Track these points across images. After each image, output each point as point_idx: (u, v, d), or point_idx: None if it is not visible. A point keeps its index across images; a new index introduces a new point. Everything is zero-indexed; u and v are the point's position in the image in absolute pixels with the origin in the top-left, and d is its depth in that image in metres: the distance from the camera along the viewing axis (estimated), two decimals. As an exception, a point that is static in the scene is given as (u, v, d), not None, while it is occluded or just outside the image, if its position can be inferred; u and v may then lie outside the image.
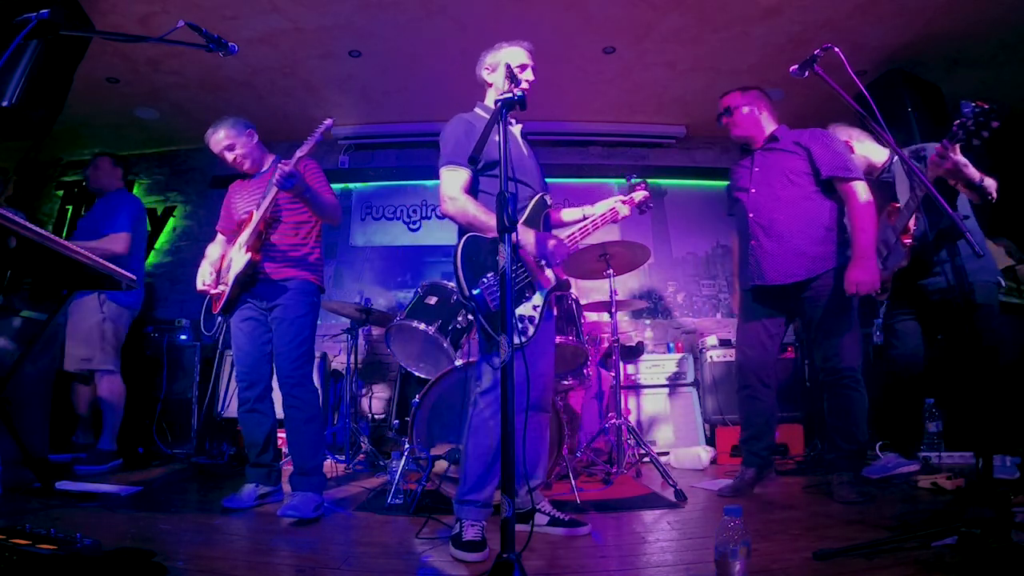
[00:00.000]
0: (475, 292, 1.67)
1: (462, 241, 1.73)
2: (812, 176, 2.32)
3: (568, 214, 2.23)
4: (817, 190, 2.31)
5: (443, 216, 1.89)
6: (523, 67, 2.00)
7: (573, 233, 2.03)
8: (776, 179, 2.37)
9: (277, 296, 2.34)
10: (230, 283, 2.29)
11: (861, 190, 2.24)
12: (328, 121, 2.21)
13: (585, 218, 2.14)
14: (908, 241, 2.40)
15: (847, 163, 2.29)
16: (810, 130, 2.42)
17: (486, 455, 1.70)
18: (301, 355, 2.33)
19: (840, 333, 2.23)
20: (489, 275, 1.71)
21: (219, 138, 2.41)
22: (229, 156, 2.43)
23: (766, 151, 2.45)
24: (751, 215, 2.41)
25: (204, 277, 2.39)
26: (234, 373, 2.41)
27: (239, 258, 2.29)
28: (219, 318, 2.38)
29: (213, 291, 2.36)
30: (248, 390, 2.35)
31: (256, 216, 2.29)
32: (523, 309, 1.75)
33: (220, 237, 2.57)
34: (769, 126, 2.48)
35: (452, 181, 1.85)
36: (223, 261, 2.44)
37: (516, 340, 1.64)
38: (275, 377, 2.37)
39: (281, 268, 2.36)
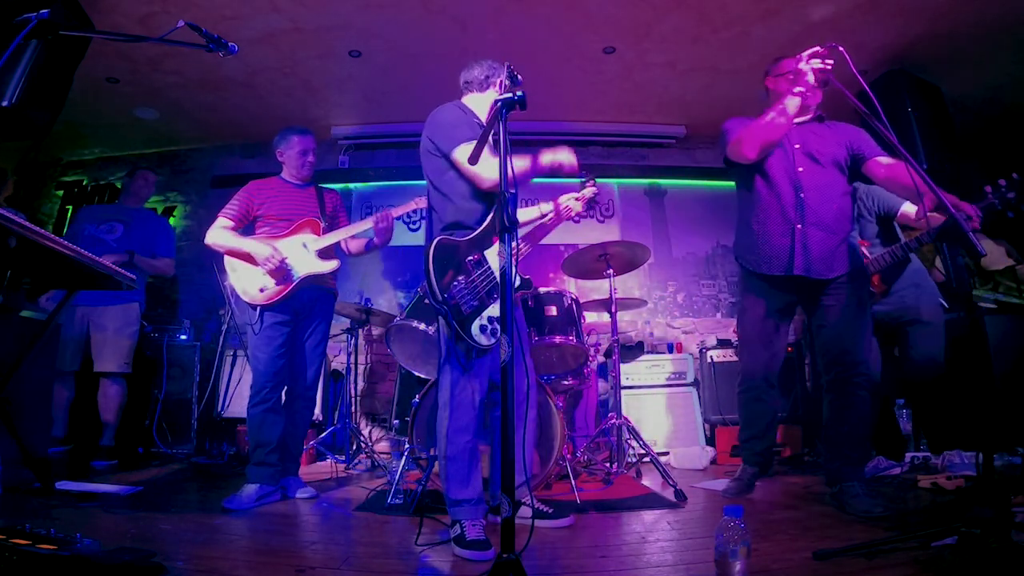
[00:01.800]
0: (447, 296, 1.68)
1: (433, 244, 1.71)
2: (849, 168, 2.22)
3: (523, 214, 2.30)
4: (849, 186, 2.23)
5: (486, 188, 1.82)
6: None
7: (533, 231, 2.08)
8: (825, 165, 2.18)
9: (320, 305, 2.56)
10: (297, 279, 2.41)
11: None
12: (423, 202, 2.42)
13: (543, 216, 2.25)
14: (876, 289, 2.52)
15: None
16: (847, 124, 2.29)
17: (464, 452, 1.77)
18: (323, 364, 2.67)
19: (861, 329, 2.14)
20: (460, 278, 1.73)
21: (310, 141, 2.64)
22: (310, 159, 2.64)
23: (809, 131, 2.24)
24: (803, 195, 2.15)
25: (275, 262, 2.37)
26: (250, 370, 2.50)
27: (311, 259, 2.44)
28: (257, 310, 2.39)
29: (282, 269, 2.38)
30: (275, 390, 2.40)
31: (342, 232, 2.52)
32: (491, 310, 1.78)
33: (228, 223, 2.49)
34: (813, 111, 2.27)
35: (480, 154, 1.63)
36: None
37: (487, 341, 1.75)
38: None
39: (328, 279, 2.59)
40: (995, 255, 3.21)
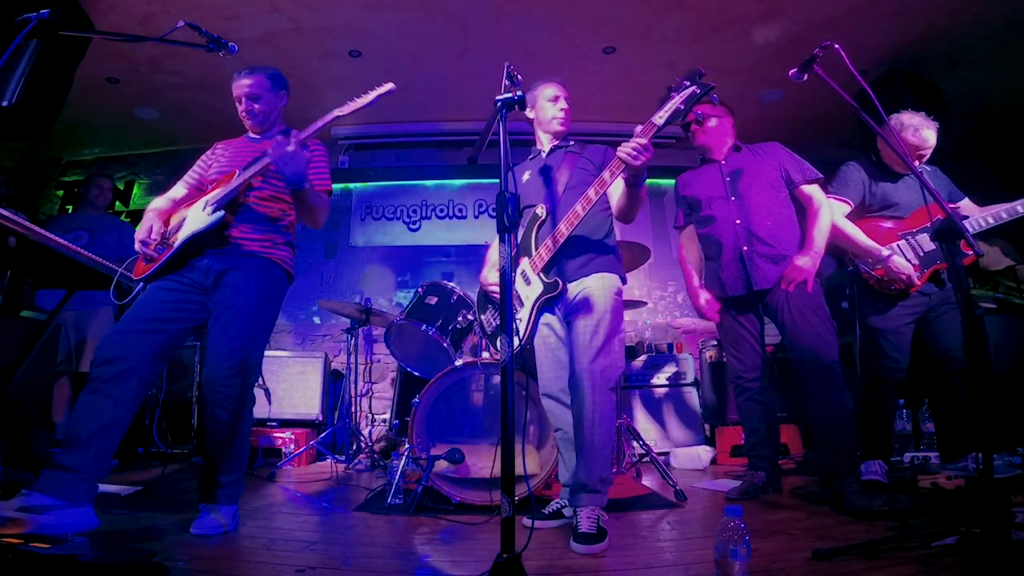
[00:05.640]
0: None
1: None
2: (784, 184, 2.45)
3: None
4: (787, 197, 2.44)
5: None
6: (555, 99, 2.13)
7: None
8: (756, 187, 2.42)
9: (233, 273, 1.89)
10: (178, 242, 1.87)
11: (821, 192, 2.43)
12: (389, 85, 1.89)
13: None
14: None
15: (811, 167, 2.45)
16: (768, 144, 2.54)
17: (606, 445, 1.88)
18: (244, 359, 1.83)
19: (821, 328, 2.22)
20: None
21: (247, 83, 2.09)
22: (243, 107, 2.12)
23: (732, 162, 2.51)
24: (738, 221, 2.40)
25: (152, 230, 1.95)
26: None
27: (202, 216, 1.88)
28: (140, 285, 1.95)
29: (149, 251, 1.92)
30: (104, 365, 1.69)
31: (240, 177, 1.90)
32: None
33: (172, 195, 2.12)
34: (730, 140, 2.57)
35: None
36: (167, 221, 2.05)
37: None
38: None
39: (253, 239, 1.94)
40: (995, 255, 3.21)
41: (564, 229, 1.91)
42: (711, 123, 2.52)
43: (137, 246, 1.93)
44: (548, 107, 2.12)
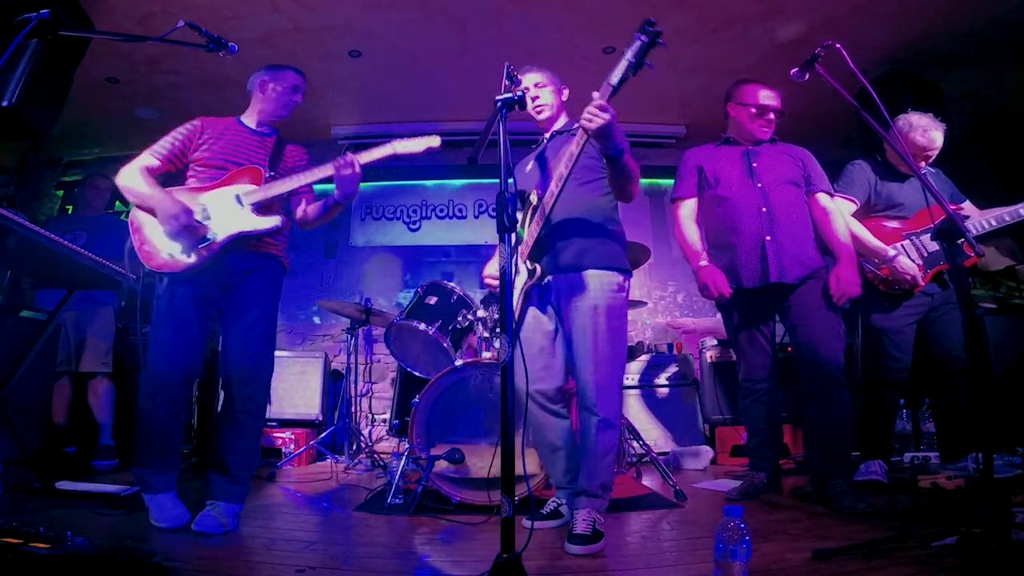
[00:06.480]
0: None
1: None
2: (804, 185, 2.39)
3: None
4: (805, 198, 2.40)
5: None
6: (525, 91, 2.04)
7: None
8: (780, 180, 2.35)
9: (257, 277, 2.00)
10: (223, 238, 1.89)
11: (834, 205, 2.39)
12: (436, 140, 2.01)
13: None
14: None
15: (829, 183, 2.43)
16: (798, 147, 2.49)
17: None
18: (270, 351, 2.01)
19: (831, 330, 2.21)
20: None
21: (303, 81, 2.19)
22: (297, 98, 2.18)
23: (763, 150, 2.42)
24: (763, 209, 2.29)
25: (193, 212, 1.90)
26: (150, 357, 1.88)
27: (243, 215, 1.91)
28: (166, 278, 1.92)
29: (200, 247, 1.91)
30: (181, 387, 1.91)
31: (291, 182, 1.95)
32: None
33: (144, 163, 2.02)
34: None
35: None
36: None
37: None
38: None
39: (271, 242, 2.06)
40: (994, 255, 3.21)
41: (545, 211, 1.85)
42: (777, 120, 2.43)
43: (179, 226, 1.86)
44: (526, 102, 2.02)
